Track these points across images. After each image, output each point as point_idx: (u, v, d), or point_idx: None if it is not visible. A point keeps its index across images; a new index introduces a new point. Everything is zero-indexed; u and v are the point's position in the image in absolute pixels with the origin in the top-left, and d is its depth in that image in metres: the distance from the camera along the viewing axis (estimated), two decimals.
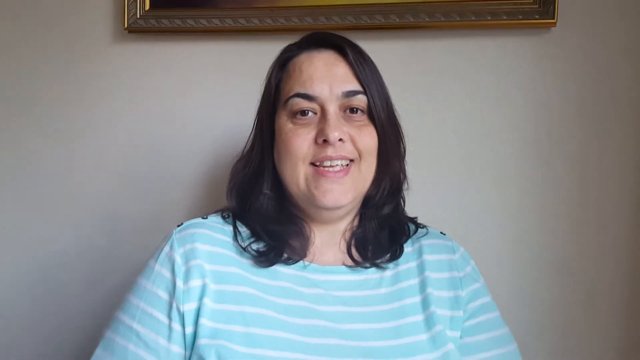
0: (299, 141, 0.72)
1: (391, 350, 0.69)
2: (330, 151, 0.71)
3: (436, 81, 1.07)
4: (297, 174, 0.73)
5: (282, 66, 0.78)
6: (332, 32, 0.80)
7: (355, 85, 0.74)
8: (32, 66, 1.18)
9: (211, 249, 0.73)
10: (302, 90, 0.73)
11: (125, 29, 1.12)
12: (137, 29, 1.13)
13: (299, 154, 0.73)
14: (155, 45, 1.14)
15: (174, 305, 0.69)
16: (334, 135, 0.70)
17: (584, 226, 1.02)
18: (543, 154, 1.04)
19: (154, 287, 0.71)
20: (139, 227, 1.14)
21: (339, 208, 0.74)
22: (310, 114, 0.74)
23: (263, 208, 0.77)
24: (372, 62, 0.78)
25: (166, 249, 0.73)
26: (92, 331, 1.12)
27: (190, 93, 1.14)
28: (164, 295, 0.70)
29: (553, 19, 0.99)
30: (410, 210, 0.87)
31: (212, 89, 1.13)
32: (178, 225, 0.76)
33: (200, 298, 0.69)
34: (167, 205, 1.13)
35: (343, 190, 0.72)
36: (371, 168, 0.76)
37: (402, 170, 0.82)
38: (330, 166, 0.72)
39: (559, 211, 1.03)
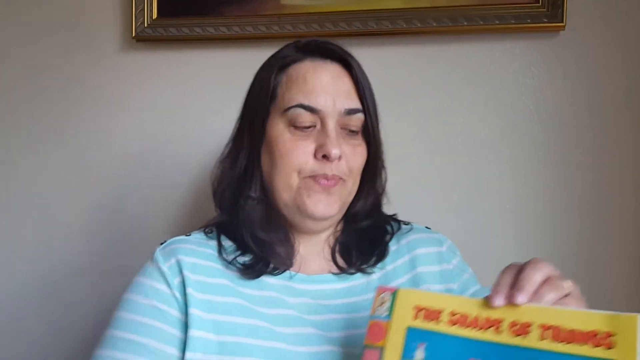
0: (298, 154, 0.71)
1: None
2: (327, 169, 0.71)
3: (445, 86, 1.06)
4: (290, 184, 0.72)
5: (282, 69, 0.75)
6: (334, 40, 0.77)
7: (356, 103, 0.73)
8: (39, 74, 1.19)
9: (196, 261, 0.72)
10: (306, 102, 0.71)
11: (133, 37, 1.13)
12: (145, 38, 1.13)
13: (296, 167, 0.71)
14: (163, 54, 1.15)
15: (178, 316, 0.68)
16: (335, 152, 0.70)
17: (596, 230, 1.01)
18: (554, 158, 1.03)
19: (153, 301, 0.69)
20: (139, 237, 1.14)
21: (325, 219, 0.73)
22: (310, 126, 0.72)
23: (252, 213, 0.75)
24: (368, 79, 0.77)
25: (153, 266, 0.72)
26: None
27: (198, 101, 1.14)
28: (166, 308, 0.69)
29: (562, 22, 0.98)
30: (419, 214, 0.86)
31: (219, 96, 1.13)
32: (161, 243, 0.75)
33: (190, 307, 0.68)
34: (170, 217, 1.14)
35: (330, 202, 0.72)
36: (356, 185, 0.76)
37: (382, 186, 0.82)
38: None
39: (571, 215, 1.02)
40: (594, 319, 0.51)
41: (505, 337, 0.54)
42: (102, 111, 1.17)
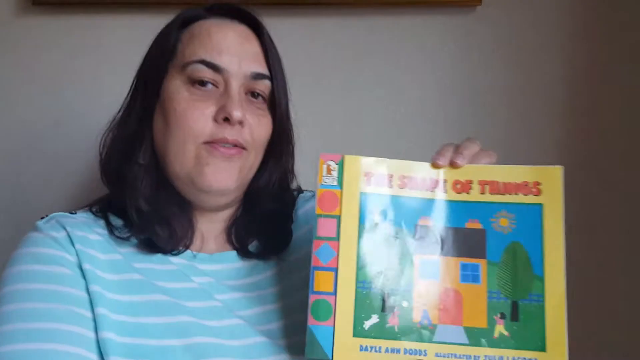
0: (195, 115, 0.64)
1: (285, 330, 0.66)
2: (228, 133, 0.65)
3: (363, 60, 1.05)
4: (184, 153, 0.65)
5: (184, 25, 0.69)
6: (252, 7, 0.73)
7: (264, 69, 0.69)
8: None
9: (86, 235, 0.64)
10: (208, 58, 0.66)
11: (30, 0, 1.03)
12: (44, 1, 1.03)
13: (193, 130, 0.64)
14: (65, 19, 1.05)
15: (83, 288, 0.61)
16: (237, 114, 0.64)
17: None
18: (470, 133, 1.04)
19: (51, 267, 0.61)
20: (33, 212, 1.02)
21: (222, 193, 0.68)
22: (210, 86, 0.66)
23: (137, 183, 0.67)
24: (277, 48, 0.73)
25: (42, 234, 0.63)
26: None
27: (105, 70, 1.06)
28: (76, 291, 0.61)
29: None
30: None
31: (128, 65, 1.04)
32: (42, 218, 0.67)
33: (90, 285, 0.61)
34: (67, 193, 1.06)
35: (230, 173, 0.66)
36: (258, 160, 0.71)
37: (291, 168, 0.78)
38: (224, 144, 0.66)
39: None
40: (524, 172, 0.60)
41: (451, 195, 0.61)
42: None
